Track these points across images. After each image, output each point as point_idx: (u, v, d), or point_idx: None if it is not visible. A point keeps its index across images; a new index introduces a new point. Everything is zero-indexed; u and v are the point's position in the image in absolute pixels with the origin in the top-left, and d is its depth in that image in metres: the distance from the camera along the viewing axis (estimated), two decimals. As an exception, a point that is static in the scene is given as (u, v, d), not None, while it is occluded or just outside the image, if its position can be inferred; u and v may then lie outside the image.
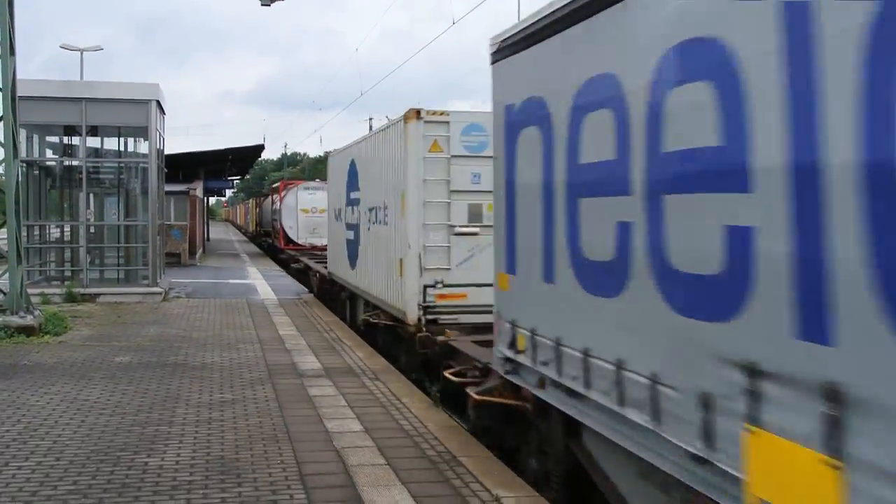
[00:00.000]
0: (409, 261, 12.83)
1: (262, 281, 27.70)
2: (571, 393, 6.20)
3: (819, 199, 3.69)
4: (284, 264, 36.20)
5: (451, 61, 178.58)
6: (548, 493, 7.17)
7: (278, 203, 40.95)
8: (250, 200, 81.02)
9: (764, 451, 4.06)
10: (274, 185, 50.85)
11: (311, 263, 27.14)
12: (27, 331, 14.71)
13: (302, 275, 28.98)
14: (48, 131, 23.47)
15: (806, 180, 3.77)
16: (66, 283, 21.34)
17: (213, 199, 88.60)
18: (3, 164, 15.43)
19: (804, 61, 3.78)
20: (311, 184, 41.33)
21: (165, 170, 24.65)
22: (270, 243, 48.21)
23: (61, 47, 38.70)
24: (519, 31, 7.11)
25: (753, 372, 4.14)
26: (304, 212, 38.21)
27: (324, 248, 38.01)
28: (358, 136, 18.54)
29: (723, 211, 4.36)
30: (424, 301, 12.59)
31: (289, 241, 38.61)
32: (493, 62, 7.75)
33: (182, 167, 36.72)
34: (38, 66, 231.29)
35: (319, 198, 36.37)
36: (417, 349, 12.36)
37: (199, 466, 7.42)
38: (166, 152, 25.18)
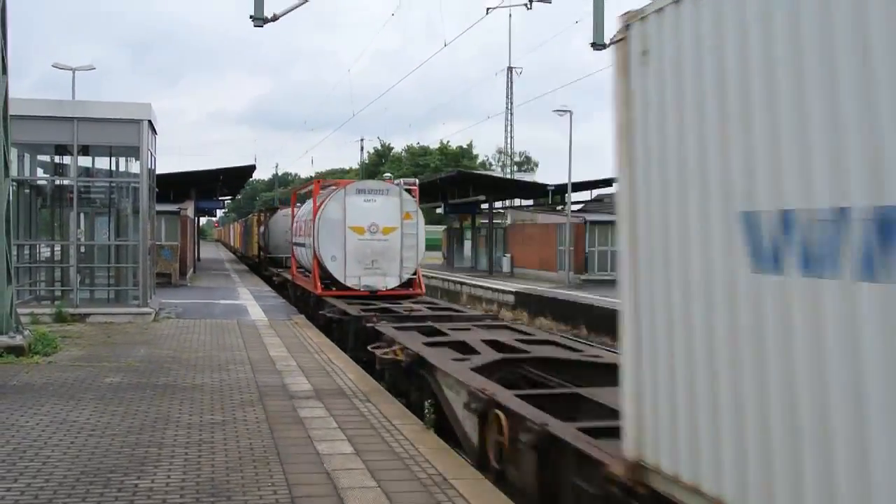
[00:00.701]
0: None
1: (253, 302, 27.63)
2: None
3: None
4: (327, 330, 20.38)
5: (442, 83, 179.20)
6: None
7: (309, 216, 25.20)
8: (250, 217, 62.29)
9: None
10: (305, 189, 33.14)
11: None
12: (16, 351, 14.64)
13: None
14: (39, 150, 23.45)
15: None
16: (55, 302, 21.26)
17: (203, 220, 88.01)
18: (-5, 184, 15.40)
19: None
20: (369, 183, 25.31)
21: (156, 189, 24.64)
22: (286, 281, 32.47)
23: (53, 66, 38.77)
24: None
25: None
26: (357, 231, 23.13)
27: (398, 297, 22.79)
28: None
29: None
30: None
31: (331, 282, 23.54)
32: None
33: (173, 187, 36.77)
34: (30, 85, 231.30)
35: (381, 206, 23.36)
36: None
37: (189, 489, 7.39)
38: (158, 172, 25.17)
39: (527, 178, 71.23)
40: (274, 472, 7.95)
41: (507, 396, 8.96)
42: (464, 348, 12.82)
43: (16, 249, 18.13)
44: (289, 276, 31.06)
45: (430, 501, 7.21)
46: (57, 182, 24.24)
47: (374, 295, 22.94)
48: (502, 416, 8.60)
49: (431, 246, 51.97)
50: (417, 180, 27.33)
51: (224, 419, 10.19)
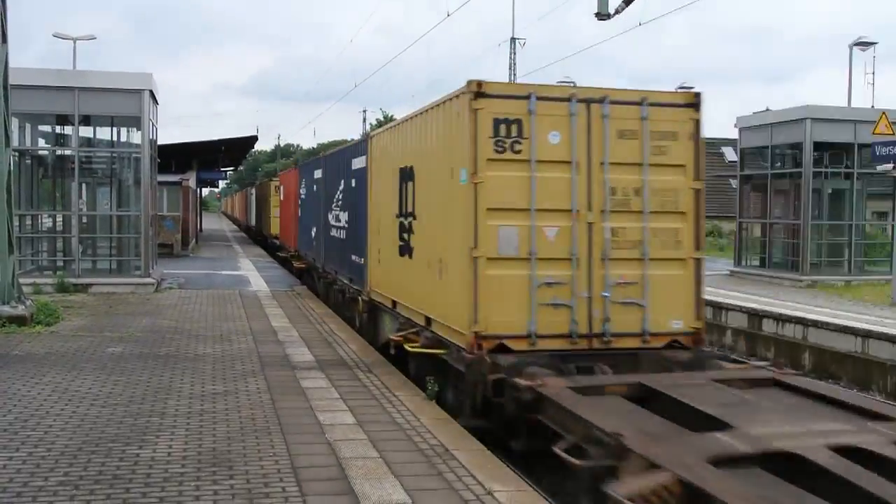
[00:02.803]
0: None
1: (255, 272, 27.63)
2: None
3: None
4: None
5: (444, 54, 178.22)
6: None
7: None
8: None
9: None
10: None
11: None
12: (19, 321, 14.65)
13: None
14: (40, 120, 23.32)
15: None
16: (58, 273, 21.25)
17: (206, 191, 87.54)
18: (-5, 153, 15.34)
19: None
20: None
21: (158, 160, 24.54)
22: None
23: (54, 35, 38.46)
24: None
25: None
26: None
27: None
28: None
29: None
30: None
31: None
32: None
33: (175, 158, 36.62)
34: (33, 57, 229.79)
35: None
36: None
37: (190, 458, 7.40)
38: (160, 143, 25.07)
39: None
40: (275, 442, 7.96)
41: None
42: None
43: (17, 220, 18.09)
44: None
45: (432, 471, 7.22)
46: (58, 152, 24.11)
47: None
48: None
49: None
50: None
51: (226, 389, 10.20)
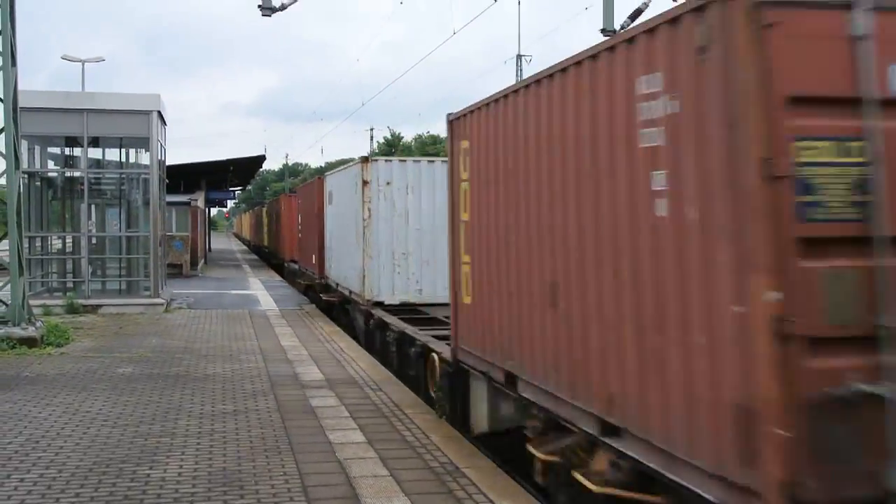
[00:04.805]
0: None
1: (264, 291, 27.67)
2: None
3: None
4: None
5: (451, 72, 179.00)
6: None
7: None
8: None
9: None
10: None
11: None
12: (29, 342, 14.69)
13: None
14: (50, 142, 23.49)
15: None
16: (67, 294, 21.33)
17: (214, 211, 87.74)
18: (5, 176, 15.43)
19: None
20: None
21: (167, 181, 24.66)
22: None
23: (62, 58, 38.79)
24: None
25: None
26: None
27: None
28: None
29: None
30: None
31: None
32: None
33: (183, 178, 36.75)
34: (43, 79, 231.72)
35: None
36: None
37: (201, 478, 7.39)
38: (168, 163, 25.18)
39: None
40: (286, 461, 7.95)
41: None
42: None
43: (27, 241, 18.17)
44: None
45: (442, 490, 7.19)
46: (67, 174, 24.27)
47: None
48: None
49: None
50: None
51: (236, 409, 10.20)
